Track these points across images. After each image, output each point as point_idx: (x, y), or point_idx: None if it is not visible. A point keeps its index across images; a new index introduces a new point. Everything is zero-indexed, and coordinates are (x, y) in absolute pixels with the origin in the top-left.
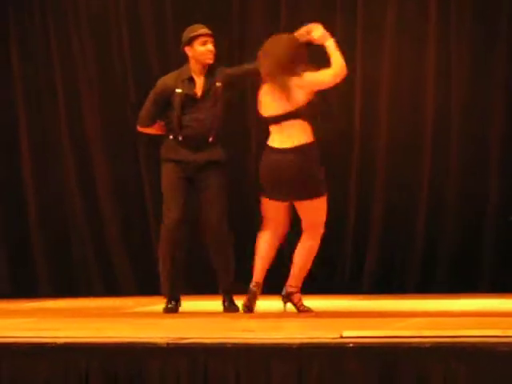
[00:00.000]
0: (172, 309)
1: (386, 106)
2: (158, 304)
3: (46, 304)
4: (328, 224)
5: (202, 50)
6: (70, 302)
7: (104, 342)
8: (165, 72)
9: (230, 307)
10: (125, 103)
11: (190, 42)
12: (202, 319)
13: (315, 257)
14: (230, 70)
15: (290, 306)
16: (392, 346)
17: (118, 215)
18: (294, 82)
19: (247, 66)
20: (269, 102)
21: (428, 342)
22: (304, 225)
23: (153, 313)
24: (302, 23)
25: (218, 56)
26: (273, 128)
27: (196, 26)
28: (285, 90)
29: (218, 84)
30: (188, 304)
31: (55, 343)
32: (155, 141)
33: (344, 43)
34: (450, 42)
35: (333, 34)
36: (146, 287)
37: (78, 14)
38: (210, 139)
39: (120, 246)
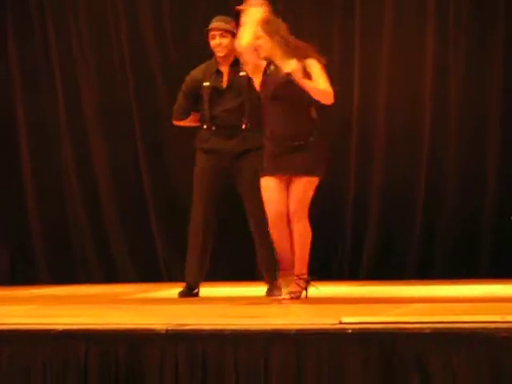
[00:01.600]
0: (184, 293)
1: (385, 93)
2: (158, 290)
3: (45, 291)
4: (326, 210)
5: (212, 44)
6: (69, 288)
7: (103, 329)
8: (162, 55)
9: (275, 288)
10: (123, 90)
11: (206, 35)
12: (201, 306)
13: (313, 242)
14: None
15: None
16: (391, 331)
17: (116, 201)
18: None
19: None
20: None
21: (427, 328)
22: (292, 208)
23: (152, 299)
24: (300, 20)
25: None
26: None
27: (214, 19)
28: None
29: (243, 73)
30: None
31: (54, 330)
32: (153, 127)
33: (342, 34)
34: (448, 33)
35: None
36: (145, 274)
37: None
38: (243, 126)
39: (119, 233)
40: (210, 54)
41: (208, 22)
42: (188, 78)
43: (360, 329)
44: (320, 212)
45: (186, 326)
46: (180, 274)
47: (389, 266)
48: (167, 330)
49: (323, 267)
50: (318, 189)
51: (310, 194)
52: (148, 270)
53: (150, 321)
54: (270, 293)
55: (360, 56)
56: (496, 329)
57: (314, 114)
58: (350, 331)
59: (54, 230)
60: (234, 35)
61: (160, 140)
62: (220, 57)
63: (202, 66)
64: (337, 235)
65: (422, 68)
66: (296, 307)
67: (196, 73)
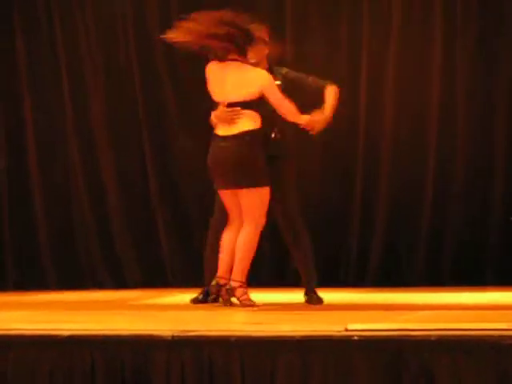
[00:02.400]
0: (197, 299)
1: (392, 98)
2: (164, 296)
3: (51, 296)
4: (333, 216)
5: (264, 53)
6: (75, 294)
7: (109, 335)
8: (170, 56)
9: (313, 300)
10: (130, 89)
11: None
12: (207, 312)
13: (319, 249)
14: (293, 75)
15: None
16: (397, 339)
17: (123, 207)
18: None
19: (311, 81)
20: (221, 87)
21: (433, 335)
22: (244, 216)
23: (158, 305)
24: (307, 18)
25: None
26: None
27: (253, 25)
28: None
29: (278, 82)
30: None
31: (60, 335)
32: (160, 130)
33: (350, 36)
34: (455, 36)
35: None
36: (151, 279)
37: None
38: (273, 136)
39: (126, 238)
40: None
41: None
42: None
43: (366, 336)
44: (326, 219)
45: (192, 332)
46: (186, 280)
47: (395, 272)
48: (173, 336)
49: (329, 274)
50: (325, 195)
51: (261, 204)
52: (155, 275)
53: (156, 327)
54: (312, 301)
55: (367, 60)
56: (502, 336)
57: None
58: (355, 338)
59: (60, 236)
60: (264, 42)
61: (167, 142)
62: None
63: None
64: (343, 242)
65: (429, 71)
66: (302, 314)
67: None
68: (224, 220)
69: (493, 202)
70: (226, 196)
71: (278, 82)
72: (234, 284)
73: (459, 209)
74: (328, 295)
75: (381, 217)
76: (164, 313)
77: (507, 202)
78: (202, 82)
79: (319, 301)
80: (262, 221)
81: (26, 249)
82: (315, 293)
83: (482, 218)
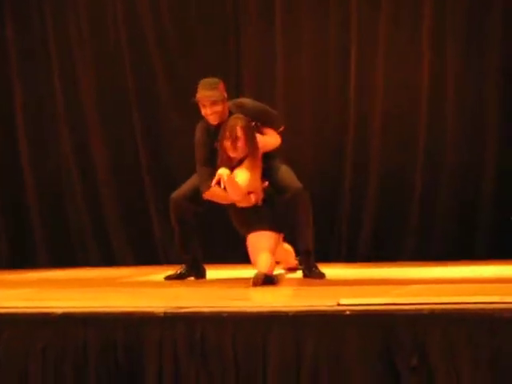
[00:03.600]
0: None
1: (382, 85)
2: (156, 274)
3: (43, 274)
4: (323, 193)
5: (203, 113)
6: (67, 272)
7: (101, 312)
8: (159, 41)
9: (309, 273)
10: (122, 78)
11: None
12: (200, 288)
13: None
14: (260, 111)
15: None
16: (389, 313)
17: (114, 185)
18: None
19: (263, 119)
20: None
21: (426, 309)
22: None
23: (150, 282)
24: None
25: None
26: None
27: (201, 84)
28: None
29: None
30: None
31: (53, 313)
32: (151, 116)
33: (338, 26)
34: (444, 29)
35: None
36: (143, 257)
37: None
38: (265, 187)
39: (117, 216)
40: (208, 42)
41: (205, 9)
42: (201, 145)
43: (358, 310)
44: (317, 195)
45: (184, 308)
46: (178, 259)
47: (386, 247)
48: (165, 313)
49: (321, 250)
50: (316, 172)
51: None
52: (146, 253)
53: (149, 304)
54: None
55: (356, 53)
56: (495, 309)
57: None
58: (348, 313)
59: (52, 214)
60: (222, 101)
61: (158, 124)
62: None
63: (199, 131)
64: (334, 218)
65: (418, 65)
66: (294, 289)
67: (201, 137)
68: (187, 196)
69: (484, 175)
70: None
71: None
72: None
73: (450, 181)
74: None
75: (371, 193)
76: (156, 290)
77: (498, 176)
78: (193, 59)
79: (321, 275)
80: None
81: (17, 227)
82: (316, 267)
83: (472, 191)
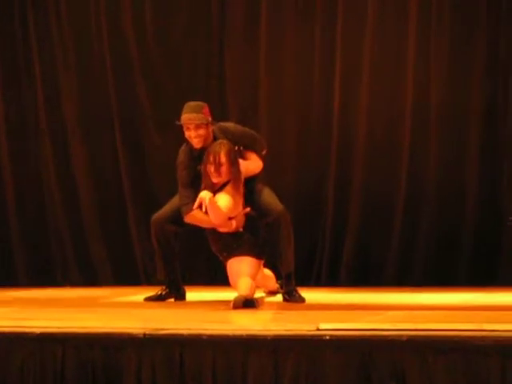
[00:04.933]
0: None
1: (366, 94)
2: (136, 294)
3: (23, 293)
4: (305, 216)
5: (187, 135)
6: (47, 291)
7: (80, 332)
8: (143, 51)
9: (290, 297)
10: (104, 90)
11: (179, 120)
12: (179, 310)
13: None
14: (243, 135)
15: None
16: (368, 338)
17: (95, 205)
18: None
19: (246, 158)
20: None
21: (404, 335)
22: None
23: (130, 303)
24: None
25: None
26: None
27: (186, 107)
28: None
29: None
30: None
31: (32, 333)
32: (132, 127)
33: (325, 30)
34: (429, 35)
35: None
36: (123, 277)
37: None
38: (247, 212)
39: (98, 236)
40: (190, 55)
41: (191, 20)
42: (183, 168)
43: (337, 335)
44: (299, 218)
45: (163, 330)
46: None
47: (367, 273)
48: (145, 334)
49: (302, 274)
50: (299, 195)
51: None
52: (126, 273)
53: (128, 325)
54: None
55: (341, 60)
56: (472, 337)
57: None
58: (327, 338)
59: (32, 233)
60: (206, 124)
61: (140, 142)
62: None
63: (183, 153)
64: (315, 242)
65: (403, 71)
66: (274, 313)
67: (185, 160)
68: (168, 218)
69: (466, 203)
70: None
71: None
72: None
73: (431, 211)
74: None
75: (353, 218)
76: (136, 311)
77: (480, 206)
78: (176, 77)
79: (301, 299)
80: None
81: None
82: (297, 291)
83: (454, 218)
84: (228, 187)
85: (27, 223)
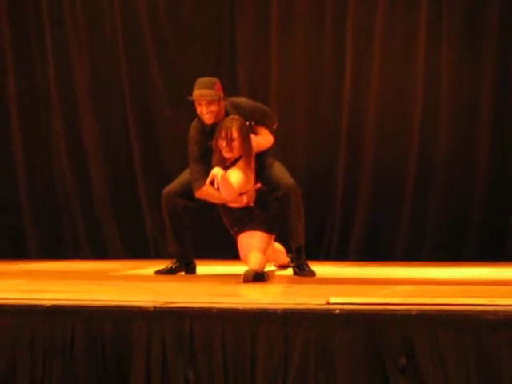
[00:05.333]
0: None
1: (377, 72)
2: (146, 268)
3: (33, 266)
4: (316, 190)
5: (199, 111)
6: (57, 264)
7: (90, 305)
8: (155, 35)
9: (300, 271)
10: (115, 66)
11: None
12: (189, 283)
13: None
14: (254, 110)
15: None
16: (378, 313)
17: (106, 178)
18: None
19: (257, 133)
20: None
21: (414, 310)
22: None
23: (140, 276)
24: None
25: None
26: None
27: (198, 83)
28: None
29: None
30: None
31: (42, 305)
32: (144, 102)
33: (337, 8)
34: (440, 26)
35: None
36: (134, 250)
37: None
38: (259, 188)
39: (108, 209)
40: (201, 32)
41: (201, 3)
42: (194, 143)
43: (347, 309)
44: (309, 192)
45: (173, 303)
46: (168, 253)
47: (377, 247)
48: (155, 308)
49: (312, 248)
50: (309, 170)
51: None
52: (137, 246)
53: (138, 298)
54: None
55: (353, 38)
56: (482, 311)
57: None
58: (337, 311)
59: (43, 205)
60: (218, 100)
61: (152, 116)
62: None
63: (194, 128)
64: (326, 216)
65: (414, 50)
66: (284, 287)
67: (196, 135)
68: (179, 192)
69: (475, 177)
70: None
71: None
72: None
73: (442, 184)
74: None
75: (364, 192)
76: (146, 284)
77: (490, 177)
78: (188, 52)
79: (311, 273)
80: None
81: (7, 218)
82: (307, 265)
83: (464, 194)
84: (240, 163)
85: (38, 198)
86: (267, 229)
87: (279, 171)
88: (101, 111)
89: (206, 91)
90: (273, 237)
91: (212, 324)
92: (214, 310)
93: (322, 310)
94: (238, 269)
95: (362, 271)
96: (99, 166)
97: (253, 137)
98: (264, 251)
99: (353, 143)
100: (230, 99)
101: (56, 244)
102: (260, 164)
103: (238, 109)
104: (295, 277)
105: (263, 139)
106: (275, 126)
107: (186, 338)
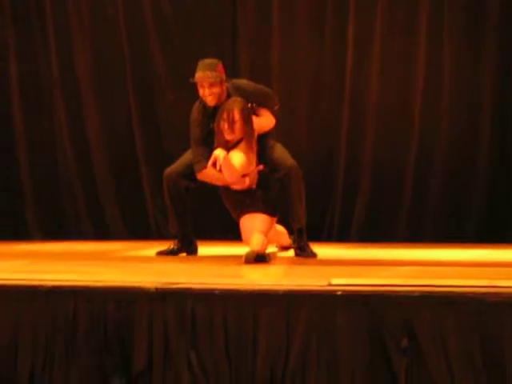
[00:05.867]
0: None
1: (378, 60)
2: (148, 249)
3: (35, 247)
4: (318, 172)
5: (201, 93)
6: (59, 245)
7: (93, 286)
8: (157, 20)
9: (301, 252)
10: (117, 51)
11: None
12: (191, 265)
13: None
14: (256, 92)
15: None
16: (380, 294)
17: (108, 159)
18: None
19: (259, 115)
20: None
21: (416, 291)
22: None
23: (142, 257)
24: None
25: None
26: None
27: (200, 65)
28: None
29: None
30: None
31: (44, 286)
32: (146, 87)
33: (337, 10)
34: (441, 19)
35: None
36: (135, 231)
37: None
38: (261, 169)
39: (110, 190)
40: (203, 16)
41: None
42: (196, 125)
43: (349, 291)
44: (311, 174)
45: (175, 284)
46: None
47: (379, 228)
48: (157, 289)
49: (313, 229)
50: (311, 153)
51: None
52: (138, 227)
53: (140, 279)
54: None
55: (354, 24)
56: (484, 293)
57: None
58: (339, 293)
59: (44, 187)
60: (220, 81)
61: (154, 100)
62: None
63: (196, 110)
64: (327, 197)
65: (415, 39)
66: (286, 268)
67: (198, 117)
68: (181, 173)
69: (477, 161)
70: None
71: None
72: None
73: (443, 165)
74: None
75: (365, 173)
76: (148, 265)
77: (492, 162)
78: (189, 36)
79: (313, 254)
80: None
81: (9, 199)
82: (308, 246)
83: (465, 175)
84: (241, 145)
85: (39, 177)
86: (269, 211)
87: (280, 152)
88: (103, 96)
89: (208, 73)
90: (275, 219)
91: (214, 305)
92: (216, 292)
93: (323, 291)
94: (240, 250)
95: (364, 253)
96: (102, 150)
97: (255, 118)
98: (266, 233)
99: (354, 129)
100: (231, 81)
101: (58, 226)
102: (261, 146)
103: (239, 91)
104: (297, 258)
105: (265, 121)
106: (277, 108)
107: (187, 319)
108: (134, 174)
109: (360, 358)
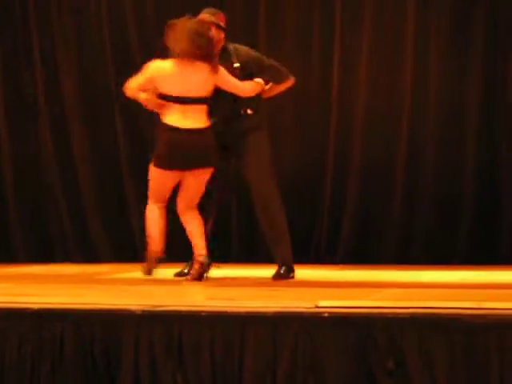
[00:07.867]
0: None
1: (366, 64)
2: (134, 271)
3: (21, 269)
4: (304, 193)
5: None
6: (45, 268)
7: (79, 309)
8: (141, 34)
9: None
10: (102, 66)
11: None
12: (178, 287)
13: (290, 225)
14: (254, 60)
15: None
16: (368, 316)
17: (94, 181)
18: (210, 70)
19: (269, 68)
20: (180, 82)
21: (404, 313)
22: (194, 197)
23: (128, 279)
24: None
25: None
26: (176, 107)
27: (203, 11)
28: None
29: (236, 65)
30: (168, 272)
31: (30, 309)
32: (132, 106)
33: (323, 10)
34: (428, 21)
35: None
36: (122, 254)
37: None
38: (242, 112)
39: (96, 212)
40: None
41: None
42: None
43: (336, 313)
44: (297, 196)
45: (162, 307)
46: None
47: (366, 250)
48: (143, 311)
49: (300, 251)
50: (297, 172)
51: None
52: (125, 250)
53: (126, 301)
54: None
55: (341, 29)
56: (472, 315)
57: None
58: (326, 315)
59: (31, 208)
60: (219, 27)
61: (139, 117)
62: None
63: None
64: (314, 219)
65: (402, 43)
66: (273, 290)
67: None
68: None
69: (464, 183)
70: (173, 177)
71: (237, 65)
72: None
73: (431, 188)
74: (299, 272)
75: (352, 195)
76: (134, 287)
77: (478, 182)
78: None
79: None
80: None
81: None
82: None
83: (453, 197)
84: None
85: (26, 200)
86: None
87: (258, 168)
88: (88, 113)
89: (206, 15)
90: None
91: (201, 327)
92: (203, 314)
93: (310, 313)
94: (229, 272)
95: (351, 274)
96: (87, 169)
97: (248, 83)
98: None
99: (341, 145)
100: (233, 44)
101: (44, 247)
102: (253, 135)
103: (237, 51)
104: (284, 280)
105: (250, 84)
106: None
107: (174, 342)
108: (120, 195)
109: (347, 380)
